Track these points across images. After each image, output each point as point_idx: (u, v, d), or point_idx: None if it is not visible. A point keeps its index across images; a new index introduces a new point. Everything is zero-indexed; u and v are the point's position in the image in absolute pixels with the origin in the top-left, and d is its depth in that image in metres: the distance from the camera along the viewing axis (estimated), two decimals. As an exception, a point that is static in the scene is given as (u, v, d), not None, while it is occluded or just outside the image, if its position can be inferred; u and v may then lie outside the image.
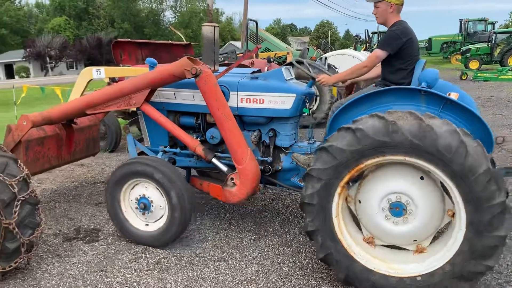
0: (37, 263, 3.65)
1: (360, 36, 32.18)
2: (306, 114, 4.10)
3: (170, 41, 6.63)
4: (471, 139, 2.67)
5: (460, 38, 32.30)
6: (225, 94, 3.90)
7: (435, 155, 2.66)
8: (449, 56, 32.53)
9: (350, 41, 78.88)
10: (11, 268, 3.31)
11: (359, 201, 3.14)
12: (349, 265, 3.04)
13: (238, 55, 9.95)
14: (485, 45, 25.87)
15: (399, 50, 3.56)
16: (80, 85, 6.41)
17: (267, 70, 7.78)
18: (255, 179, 3.74)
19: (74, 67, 59.08)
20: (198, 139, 4.15)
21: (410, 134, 2.69)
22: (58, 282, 3.37)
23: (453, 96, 3.07)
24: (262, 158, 4.01)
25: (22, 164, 3.43)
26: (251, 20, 10.38)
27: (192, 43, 7.80)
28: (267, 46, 12.31)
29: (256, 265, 3.57)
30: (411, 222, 2.96)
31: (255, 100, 3.88)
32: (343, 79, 3.87)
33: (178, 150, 4.30)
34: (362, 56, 13.46)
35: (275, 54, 10.99)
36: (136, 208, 3.89)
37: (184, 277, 3.39)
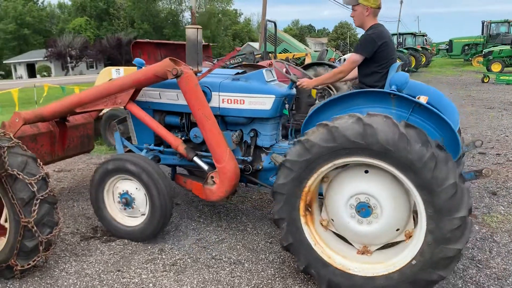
0: (55, 262, 3.68)
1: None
2: (286, 115, 4.17)
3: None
4: (442, 152, 2.67)
5: (482, 40, 31.66)
6: (207, 94, 4.00)
7: (406, 163, 2.68)
8: (470, 59, 31.96)
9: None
10: (29, 266, 3.35)
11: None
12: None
13: (256, 56, 9.92)
14: (508, 47, 25.25)
15: (374, 53, 3.66)
16: (100, 85, 6.45)
17: (285, 71, 7.76)
18: (233, 178, 3.83)
19: (94, 66, 59.92)
20: (183, 138, 4.25)
21: (385, 139, 2.69)
22: (75, 281, 3.38)
23: (422, 99, 3.19)
24: (243, 158, 4.08)
25: (41, 163, 3.46)
26: (269, 21, 10.34)
27: (210, 44, 7.80)
28: (285, 47, 12.26)
29: (272, 269, 3.53)
30: (370, 226, 3.02)
31: (235, 100, 3.97)
32: (322, 82, 4.01)
33: (162, 148, 4.40)
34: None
35: (293, 55, 10.93)
36: (119, 203, 4.01)
37: (200, 279, 3.37)
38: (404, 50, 26.86)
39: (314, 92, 8.54)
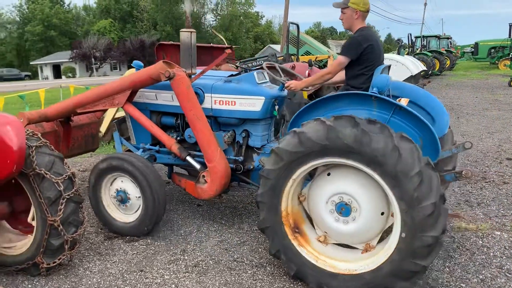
0: (79, 260, 3.73)
1: (402, 41, 31.43)
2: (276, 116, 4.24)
3: (211, 44, 6.65)
4: (409, 144, 2.73)
5: (509, 42, 30.83)
6: (200, 96, 4.12)
7: (370, 158, 2.76)
8: (496, 62, 31.17)
9: (391, 45, 77.35)
10: (55, 264, 3.40)
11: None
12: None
13: (279, 58, 9.89)
14: (536, 50, 24.67)
15: (360, 55, 3.73)
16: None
17: (308, 74, 7.71)
18: (224, 177, 3.94)
19: (118, 68, 60.82)
20: (178, 138, 4.36)
21: (347, 139, 2.79)
22: (99, 280, 3.42)
23: (403, 101, 3.29)
24: (234, 158, 4.18)
25: (67, 163, 3.52)
26: (292, 23, 10.32)
27: (233, 46, 7.81)
28: (307, 50, 12.19)
29: (294, 273, 3.50)
30: (356, 222, 3.05)
31: (227, 102, 4.06)
32: (310, 84, 4.07)
33: (157, 147, 4.51)
34: (406, 61, 13.10)
35: (316, 57, 10.86)
36: (115, 200, 4.16)
37: (222, 281, 3.36)
38: (428, 53, 26.40)
39: (305, 93, 8.52)
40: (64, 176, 3.36)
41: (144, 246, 3.98)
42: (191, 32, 3.97)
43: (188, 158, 4.13)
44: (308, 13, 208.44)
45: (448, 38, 32.68)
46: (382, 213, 3.03)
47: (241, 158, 4.16)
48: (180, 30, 4.03)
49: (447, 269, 3.48)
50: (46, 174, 3.25)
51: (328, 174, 3.17)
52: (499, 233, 4.14)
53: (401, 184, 2.70)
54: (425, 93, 3.89)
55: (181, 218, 4.65)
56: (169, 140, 4.17)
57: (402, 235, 2.79)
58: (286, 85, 4.07)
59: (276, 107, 4.11)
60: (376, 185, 2.95)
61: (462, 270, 3.46)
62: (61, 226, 3.29)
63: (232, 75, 4.29)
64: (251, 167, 4.17)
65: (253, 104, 3.97)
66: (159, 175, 4.11)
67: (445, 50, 29.60)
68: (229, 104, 4.06)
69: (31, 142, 3.30)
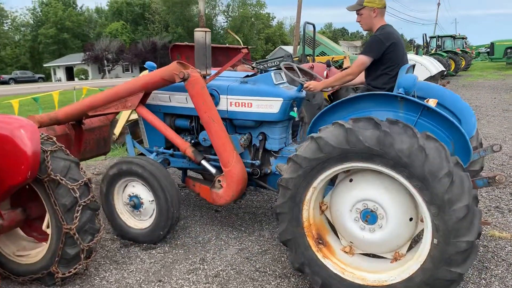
0: (95, 269, 3.59)
1: (415, 41, 31.03)
2: (295, 118, 4.06)
3: (227, 45, 6.51)
4: (434, 143, 2.57)
5: (526, 42, 30.34)
6: (215, 97, 3.98)
7: (394, 160, 2.59)
8: (513, 62, 30.67)
9: (406, 46, 76.59)
10: (70, 273, 3.26)
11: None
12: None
13: (294, 59, 9.71)
14: (555, 50, 24.13)
15: (382, 55, 3.58)
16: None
17: (326, 75, 7.52)
18: (240, 182, 3.79)
19: (130, 70, 61.12)
20: (192, 141, 4.23)
21: (368, 141, 2.62)
22: (116, 290, 3.27)
23: (431, 102, 3.10)
24: (251, 161, 4.03)
25: (84, 168, 3.38)
26: (308, 23, 10.12)
27: (249, 46, 7.66)
28: (323, 50, 11.98)
29: (320, 284, 3.31)
30: (383, 229, 2.87)
31: (243, 104, 3.91)
32: (330, 85, 3.91)
33: (171, 151, 4.37)
34: (425, 61, 12.83)
35: (332, 58, 10.65)
36: (128, 205, 4.02)
37: (245, 294, 3.19)
38: (443, 53, 26.02)
39: (326, 94, 8.31)
40: (80, 182, 3.21)
41: (162, 254, 3.82)
42: (205, 31, 3.82)
43: (203, 162, 3.99)
44: (319, 14, 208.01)
45: (463, 38, 32.14)
46: (411, 219, 2.84)
47: (258, 162, 4.01)
48: (195, 30, 3.88)
49: (484, 281, 3.27)
50: (62, 180, 3.11)
51: (350, 180, 2.99)
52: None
53: (430, 187, 2.52)
54: (451, 94, 3.69)
55: (198, 224, 4.49)
56: (183, 144, 4.02)
57: (434, 241, 2.60)
58: (305, 85, 3.91)
59: (295, 108, 3.92)
60: (403, 189, 2.78)
61: (500, 283, 3.25)
62: (77, 235, 3.15)
63: (248, 76, 4.13)
64: (268, 171, 4.02)
65: (271, 106, 3.81)
66: (170, 175, 3.95)
67: (460, 50, 29.09)
68: (245, 106, 3.90)
69: (46, 147, 3.16)
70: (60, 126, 4.56)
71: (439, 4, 57.47)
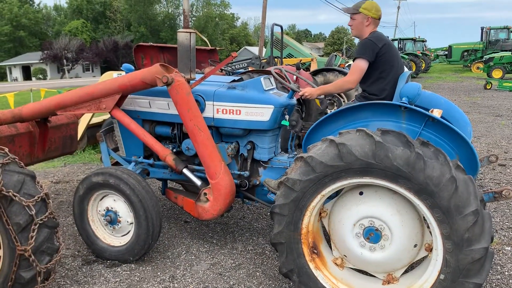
0: (54, 291, 3.29)
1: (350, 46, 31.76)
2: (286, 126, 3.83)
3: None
4: (463, 174, 2.45)
5: (481, 46, 31.50)
6: (201, 103, 3.73)
7: (421, 186, 2.42)
8: (469, 65, 31.81)
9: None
10: (26, 299, 2.94)
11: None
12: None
13: (262, 61, 9.57)
14: (509, 53, 25.06)
15: (376, 57, 3.45)
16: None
17: (296, 78, 7.40)
18: (228, 195, 3.53)
19: (90, 69, 59.50)
20: (174, 150, 3.97)
21: (397, 160, 2.44)
22: (78, 316, 2.99)
23: (436, 113, 2.93)
24: (239, 172, 3.80)
25: (40, 182, 3.07)
26: (276, 25, 9.99)
27: (217, 47, 7.49)
28: (290, 52, 11.92)
29: (298, 301, 3.15)
30: (384, 250, 2.72)
31: (231, 111, 3.67)
32: (327, 92, 3.74)
33: (151, 161, 4.09)
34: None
35: (300, 60, 10.59)
36: (104, 220, 3.73)
37: (219, 314, 2.99)
38: (405, 56, 26.71)
39: (317, 101, 8.25)
40: (36, 197, 2.90)
41: (128, 272, 3.56)
42: (190, 33, 3.56)
43: (186, 171, 3.69)
44: (283, 15, 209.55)
45: (423, 41, 33.13)
46: (415, 245, 2.70)
47: (246, 173, 3.77)
48: (178, 31, 3.62)
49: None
50: (15, 196, 2.79)
51: (361, 193, 2.80)
52: (509, 248, 3.90)
53: (452, 221, 2.37)
54: (446, 102, 3.59)
55: (167, 237, 4.23)
56: (164, 151, 3.71)
57: (441, 277, 2.48)
58: (300, 93, 3.69)
59: (286, 116, 3.70)
60: (416, 215, 2.64)
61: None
62: (32, 256, 2.84)
63: (234, 81, 3.90)
64: (257, 182, 3.78)
65: (261, 114, 3.58)
66: (158, 202, 3.65)
67: (421, 53, 29.95)
68: (233, 113, 3.65)
69: (-4, 159, 2.84)
70: (23, 124, 4.21)
71: (399, 7, 59.06)
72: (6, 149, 3.02)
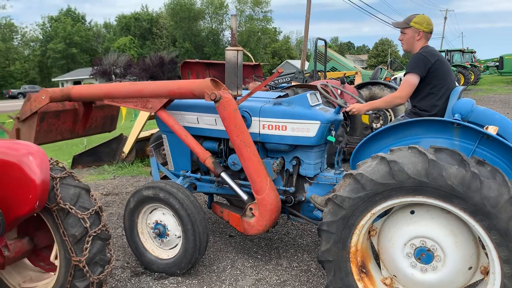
0: (105, 302, 3.38)
1: (395, 58, 30.96)
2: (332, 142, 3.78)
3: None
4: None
5: (535, 56, 30.10)
6: (247, 119, 3.76)
7: (477, 207, 2.33)
8: (523, 76, 30.41)
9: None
10: (79, 308, 3.05)
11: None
12: None
13: (305, 75, 9.58)
14: None
15: (428, 72, 3.40)
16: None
17: (341, 93, 7.35)
18: (274, 211, 3.53)
19: (137, 84, 61.38)
20: (221, 164, 3.96)
21: (452, 179, 2.34)
22: (127, 327, 3.07)
23: (492, 130, 2.81)
24: (284, 188, 3.79)
25: (94, 195, 3.20)
26: (320, 39, 9.99)
27: (261, 63, 7.57)
28: (333, 65, 11.87)
29: (346, 321, 3.08)
30: (437, 272, 2.63)
31: (277, 126, 3.68)
32: (375, 108, 3.75)
33: (199, 175, 4.17)
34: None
35: (344, 74, 10.51)
36: (153, 233, 3.83)
37: (265, 331, 2.98)
38: (453, 68, 25.85)
39: (365, 117, 8.14)
40: (90, 210, 3.02)
41: (175, 285, 3.62)
42: (237, 50, 3.64)
43: (223, 175, 3.75)
44: (326, 28, 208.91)
45: (471, 52, 32.00)
46: (470, 268, 2.59)
47: (292, 189, 3.76)
48: (226, 49, 3.71)
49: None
50: (71, 209, 2.92)
51: (412, 212, 2.73)
52: None
53: (490, 215, 2.29)
54: (502, 118, 3.45)
55: (212, 251, 4.28)
56: (204, 153, 3.76)
57: None
58: (348, 108, 3.68)
59: (333, 132, 3.69)
60: (471, 236, 2.55)
61: None
62: (86, 267, 2.95)
63: (280, 96, 3.93)
64: (303, 198, 3.76)
65: (307, 129, 3.56)
66: (205, 217, 3.71)
67: (469, 64, 28.94)
68: (279, 129, 3.66)
69: (54, 173, 2.98)
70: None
71: (445, 18, 57.56)
72: (64, 163, 3.18)
